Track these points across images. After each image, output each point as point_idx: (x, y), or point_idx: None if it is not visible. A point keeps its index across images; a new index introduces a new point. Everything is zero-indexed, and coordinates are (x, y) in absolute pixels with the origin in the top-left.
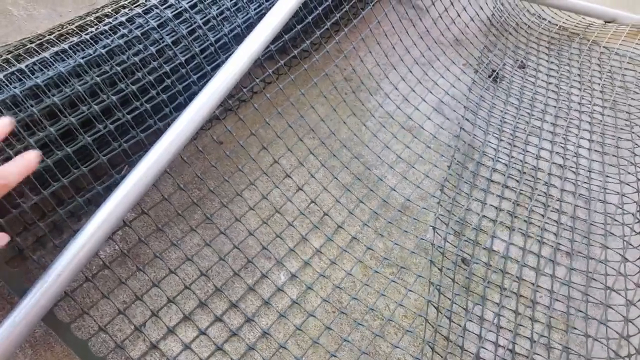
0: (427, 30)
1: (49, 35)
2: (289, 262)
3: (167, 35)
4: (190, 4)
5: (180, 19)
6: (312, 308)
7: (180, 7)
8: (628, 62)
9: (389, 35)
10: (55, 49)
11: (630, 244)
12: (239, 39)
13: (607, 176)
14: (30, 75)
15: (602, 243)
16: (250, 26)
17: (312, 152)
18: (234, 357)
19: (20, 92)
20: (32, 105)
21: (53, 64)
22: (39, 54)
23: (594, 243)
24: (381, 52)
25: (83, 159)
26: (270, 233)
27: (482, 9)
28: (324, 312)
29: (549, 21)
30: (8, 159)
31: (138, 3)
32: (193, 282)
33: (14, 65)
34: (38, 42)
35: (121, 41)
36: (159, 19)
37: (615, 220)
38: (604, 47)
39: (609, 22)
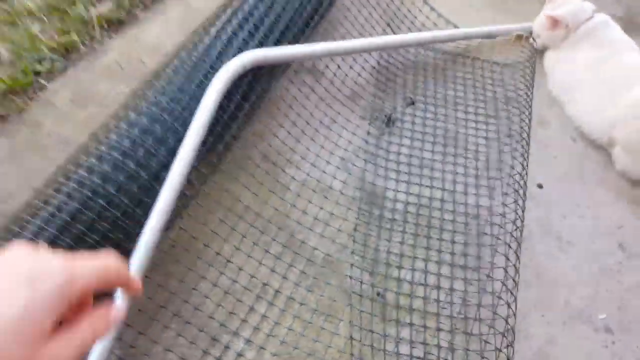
0: (326, 91)
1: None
2: (244, 330)
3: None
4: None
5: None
6: None
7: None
8: (501, 70)
9: (295, 104)
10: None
11: (509, 259)
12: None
13: (493, 198)
14: None
15: (490, 261)
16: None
17: (244, 236)
18: None
19: None
20: None
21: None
22: None
23: (484, 256)
24: (290, 123)
25: None
26: (225, 312)
27: (367, 61)
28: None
29: (433, 48)
30: None
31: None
32: None
33: None
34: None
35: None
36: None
37: (499, 238)
38: (478, 58)
39: (487, 38)
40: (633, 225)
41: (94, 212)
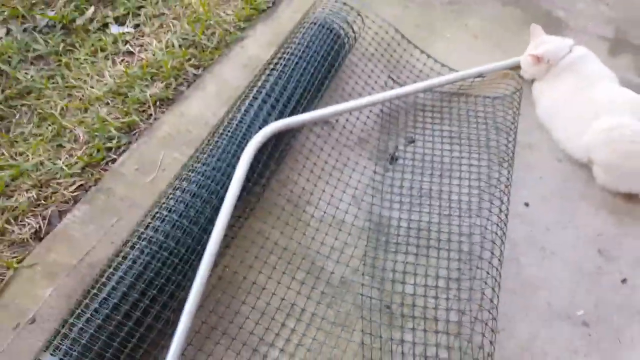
0: (337, 140)
1: None
2: (278, 342)
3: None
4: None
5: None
6: None
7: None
8: (488, 103)
9: (310, 155)
10: None
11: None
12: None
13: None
14: None
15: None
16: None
17: (274, 267)
18: None
19: None
20: None
21: None
22: None
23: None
24: (308, 171)
25: None
26: (262, 328)
27: (371, 110)
28: None
29: (432, 91)
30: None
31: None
32: None
33: None
34: None
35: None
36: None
37: (484, 257)
38: (471, 95)
39: (479, 77)
40: (612, 233)
41: (160, 262)
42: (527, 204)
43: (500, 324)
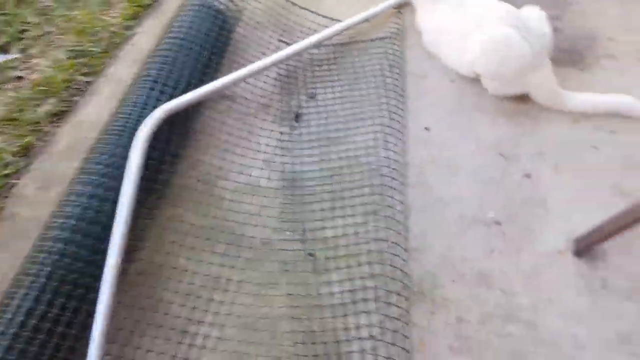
0: (239, 111)
1: None
2: (207, 317)
3: None
4: None
5: None
6: (228, 336)
7: None
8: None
9: (214, 131)
10: None
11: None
12: None
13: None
14: None
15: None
16: None
17: (192, 247)
18: None
19: None
20: None
21: None
22: None
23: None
24: (213, 147)
25: None
26: (189, 309)
27: (268, 75)
28: (236, 333)
29: (324, 45)
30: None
31: None
32: None
33: None
34: None
35: None
36: None
37: (391, 186)
38: (361, 40)
39: (364, 22)
40: (510, 135)
41: (63, 269)
42: (427, 128)
43: (418, 242)
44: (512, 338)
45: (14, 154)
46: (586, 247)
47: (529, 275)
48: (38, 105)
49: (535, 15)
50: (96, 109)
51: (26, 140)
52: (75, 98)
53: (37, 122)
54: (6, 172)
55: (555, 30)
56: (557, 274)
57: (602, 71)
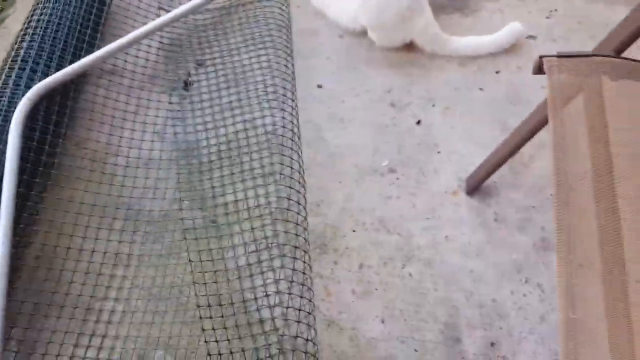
0: (124, 84)
1: None
2: (111, 293)
3: None
4: None
5: None
6: (134, 307)
7: None
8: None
9: (96, 107)
10: None
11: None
12: None
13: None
14: None
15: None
16: None
17: (87, 226)
18: None
19: None
20: None
21: None
22: None
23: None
24: (98, 123)
25: None
26: (90, 287)
27: (150, 45)
28: (141, 305)
29: (207, 10)
30: None
31: None
32: (64, 339)
33: None
34: None
35: None
36: None
37: (286, 145)
38: (244, 4)
39: None
40: (400, 84)
41: None
42: (320, 86)
43: (317, 196)
44: (412, 278)
45: None
46: (477, 185)
47: (425, 217)
48: None
49: None
50: None
51: None
52: None
53: None
54: None
55: None
56: (451, 213)
57: (485, 14)
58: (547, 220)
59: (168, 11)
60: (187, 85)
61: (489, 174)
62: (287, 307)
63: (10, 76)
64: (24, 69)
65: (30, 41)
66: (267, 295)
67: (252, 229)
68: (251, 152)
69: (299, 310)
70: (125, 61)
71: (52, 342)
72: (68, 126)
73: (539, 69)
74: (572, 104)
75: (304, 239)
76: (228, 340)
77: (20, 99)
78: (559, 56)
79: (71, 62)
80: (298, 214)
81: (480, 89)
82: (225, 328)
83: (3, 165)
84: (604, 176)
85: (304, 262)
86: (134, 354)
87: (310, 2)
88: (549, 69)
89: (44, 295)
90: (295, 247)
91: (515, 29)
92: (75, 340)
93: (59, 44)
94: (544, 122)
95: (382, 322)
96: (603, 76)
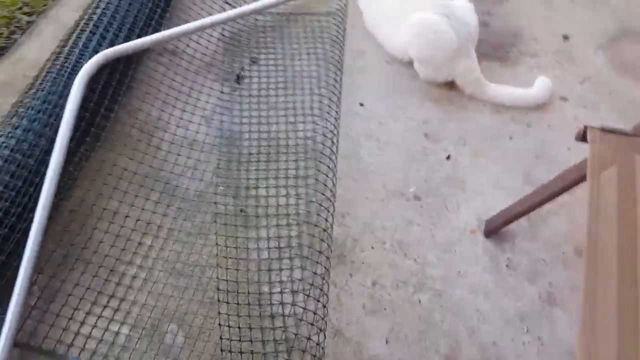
0: (182, 66)
1: None
2: (136, 259)
3: None
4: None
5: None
6: (155, 278)
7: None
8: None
9: (153, 82)
10: None
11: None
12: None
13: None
14: None
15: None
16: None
17: (126, 192)
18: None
19: None
20: None
21: None
22: None
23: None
24: (153, 97)
25: None
26: (118, 249)
27: (212, 35)
28: (163, 277)
29: (270, 13)
30: None
31: None
32: (85, 294)
33: None
34: None
35: None
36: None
37: (324, 153)
38: (305, 13)
39: None
40: (436, 118)
41: None
42: (362, 104)
43: (344, 208)
44: (421, 305)
45: None
46: (495, 229)
47: (442, 249)
48: None
49: (464, 6)
50: (36, 49)
51: None
52: (15, 36)
53: None
54: None
55: (485, 24)
56: (467, 250)
57: (523, 67)
58: (555, 276)
59: (232, 6)
60: (239, 78)
61: (510, 221)
62: (304, 308)
63: (81, 37)
64: (95, 33)
65: (104, 9)
66: (282, 292)
67: (278, 225)
68: (288, 153)
69: (314, 313)
70: (187, 45)
71: (73, 295)
72: (125, 94)
73: (582, 137)
74: (606, 172)
75: (328, 245)
76: (239, 327)
77: (87, 60)
78: (603, 130)
79: (139, 36)
80: (326, 220)
81: (510, 137)
82: (238, 315)
83: (60, 120)
84: (628, 245)
85: (325, 267)
86: (148, 322)
87: (364, 24)
88: (592, 139)
89: (73, 249)
90: (320, 252)
91: (546, 85)
92: (95, 297)
93: (131, 17)
94: (575, 184)
95: (387, 342)
96: (638, 155)
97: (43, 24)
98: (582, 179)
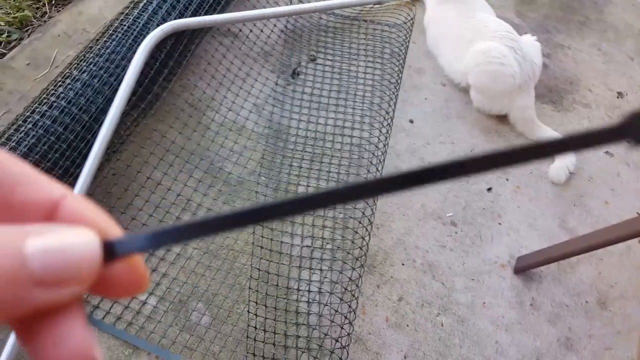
0: (241, 50)
1: None
2: None
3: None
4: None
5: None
6: (189, 255)
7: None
8: (385, 29)
9: (213, 61)
10: None
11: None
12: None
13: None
14: None
15: (356, 173)
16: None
17: (171, 164)
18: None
19: None
20: None
21: None
22: None
23: (359, 173)
24: (210, 76)
25: None
26: (156, 220)
27: (275, 25)
28: (196, 255)
29: (334, 14)
30: None
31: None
32: None
33: None
34: None
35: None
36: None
37: (372, 162)
38: (370, 20)
39: (377, 4)
40: (483, 148)
41: (46, 145)
42: (411, 121)
43: (380, 220)
44: (443, 328)
45: (8, 24)
46: (525, 268)
47: (471, 278)
48: None
49: (531, 44)
50: (99, 5)
51: (23, 14)
52: None
53: (38, 0)
54: None
55: (543, 66)
56: (495, 283)
57: (574, 116)
58: (576, 322)
59: (300, 0)
60: (294, 73)
61: (542, 264)
62: (336, 311)
63: (152, 2)
64: (165, 1)
65: None
66: (309, 292)
67: (314, 225)
68: (332, 156)
69: (345, 317)
70: (251, 31)
71: None
72: (184, 68)
73: None
74: None
75: (364, 253)
76: (265, 318)
77: (154, 27)
78: None
79: (207, 12)
80: (365, 227)
81: (552, 182)
82: (265, 306)
83: (120, 81)
84: None
85: (359, 274)
86: (177, 297)
87: (425, 42)
88: None
89: (112, 212)
90: (356, 259)
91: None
92: None
93: None
94: (615, 242)
95: (405, 357)
96: None
97: None
98: (622, 239)
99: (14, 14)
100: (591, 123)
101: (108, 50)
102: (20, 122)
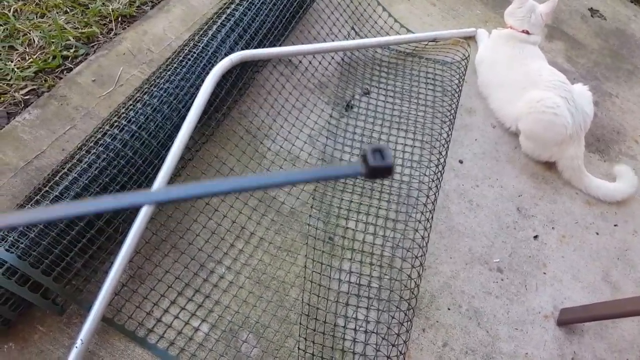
0: (299, 81)
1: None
2: (226, 260)
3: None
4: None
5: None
6: (241, 283)
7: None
8: (439, 67)
9: (273, 91)
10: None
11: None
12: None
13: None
14: None
15: (408, 212)
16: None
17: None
18: (203, 317)
19: None
20: None
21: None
22: None
23: (409, 214)
24: (269, 106)
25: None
26: (211, 246)
27: (333, 57)
28: (248, 284)
29: (389, 48)
30: None
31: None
32: (173, 283)
33: None
34: None
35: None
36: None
37: (423, 202)
38: (425, 58)
39: (433, 42)
40: (530, 194)
41: (116, 169)
42: (461, 161)
43: (427, 261)
44: None
45: (75, 39)
46: (569, 321)
47: (514, 327)
48: (109, 0)
49: (584, 94)
50: (163, 25)
51: (91, 29)
52: (145, 7)
53: (105, 17)
54: (66, 53)
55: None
56: (538, 334)
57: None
58: None
59: (358, 33)
60: (349, 106)
61: (587, 320)
62: (388, 357)
63: (220, 31)
64: (234, 30)
65: (246, 8)
66: (355, 330)
67: (362, 262)
68: (382, 192)
69: (402, 353)
70: (310, 62)
71: (162, 281)
72: (244, 94)
73: None
74: None
75: (414, 295)
76: (313, 355)
77: (222, 57)
78: None
79: (271, 42)
80: (413, 267)
81: (597, 233)
82: (313, 342)
83: (188, 109)
84: None
85: (409, 318)
86: (228, 326)
87: (477, 83)
88: None
89: (171, 236)
90: (407, 301)
91: (631, 177)
92: (182, 288)
93: (269, 23)
94: None
95: None
96: None
97: (173, 2)
98: None
99: (82, 29)
100: (636, 175)
101: (178, 77)
102: (92, 144)
